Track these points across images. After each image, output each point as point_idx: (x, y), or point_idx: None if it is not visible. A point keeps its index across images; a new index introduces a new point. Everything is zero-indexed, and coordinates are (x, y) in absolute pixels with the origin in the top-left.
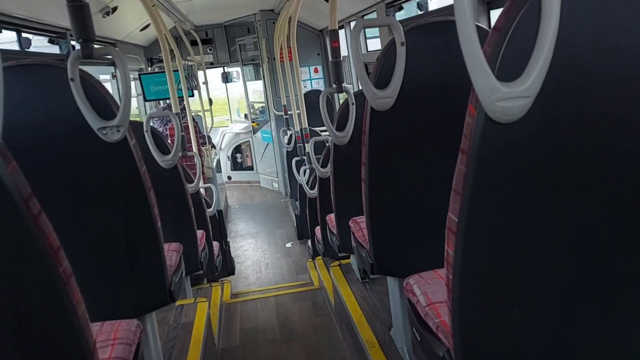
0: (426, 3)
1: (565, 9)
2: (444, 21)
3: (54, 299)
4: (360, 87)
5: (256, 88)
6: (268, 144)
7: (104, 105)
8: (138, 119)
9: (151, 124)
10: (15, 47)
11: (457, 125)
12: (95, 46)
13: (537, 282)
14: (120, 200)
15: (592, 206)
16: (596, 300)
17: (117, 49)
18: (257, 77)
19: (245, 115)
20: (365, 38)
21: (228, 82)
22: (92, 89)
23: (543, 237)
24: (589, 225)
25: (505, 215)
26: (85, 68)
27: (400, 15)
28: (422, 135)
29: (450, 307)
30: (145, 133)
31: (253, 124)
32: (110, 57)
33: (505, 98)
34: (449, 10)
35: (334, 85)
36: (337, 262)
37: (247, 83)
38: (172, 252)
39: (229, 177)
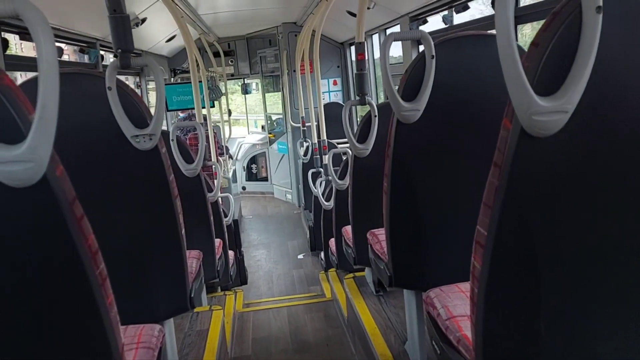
0: (452, 17)
1: (604, 26)
2: (474, 35)
3: (89, 300)
4: (383, 100)
5: (274, 100)
6: (283, 155)
7: (138, 114)
8: None
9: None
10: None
11: (483, 139)
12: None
13: (563, 296)
14: (148, 206)
15: (623, 222)
16: (622, 316)
17: (152, 59)
18: (276, 89)
19: (262, 127)
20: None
21: (247, 93)
22: (128, 97)
23: (571, 251)
24: (618, 241)
25: (534, 229)
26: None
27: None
28: (447, 149)
29: (474, 321)
30: (171, 142)
31: (270, 135)
32: (139, 67)
33: (542, 112)
34: (473, 24)
35: (357, 97)
36: (351, 275)
37: (266, 95)
38: (192, 259)
39: (244, 188)
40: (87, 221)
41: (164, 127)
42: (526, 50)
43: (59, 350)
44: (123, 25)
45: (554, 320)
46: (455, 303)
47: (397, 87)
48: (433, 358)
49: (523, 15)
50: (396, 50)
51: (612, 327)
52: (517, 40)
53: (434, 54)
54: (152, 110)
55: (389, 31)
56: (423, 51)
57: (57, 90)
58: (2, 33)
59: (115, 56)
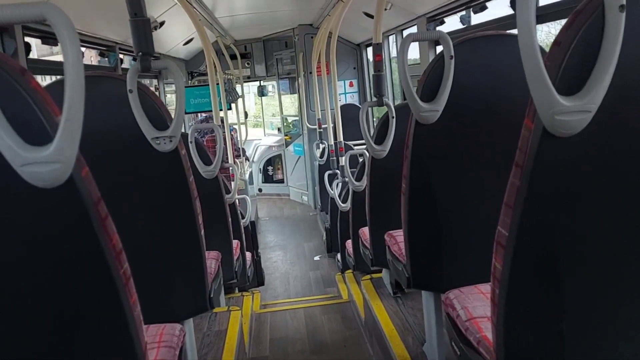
0: (469, 17)
1: (627, 25)
2: (493, 35)
3: (113, 299)
4: (401, 101)
5: (290, 102)
6: (299, 157)
7: (159, 116)
8: None
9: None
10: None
11: (502, 139)
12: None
13: (585, 296)
14: (168, 207)
15: None
16: None
17: (173, 62)
18: (292, 91)
19: (279, 129)
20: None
21: (263, 95)
22: (148, 100)
23: (593, 252)
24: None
25: (556, 230)
26: None
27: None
28: (466, 150)
29: (495, 322)
30: (190, 144)
31: (286, 137)
32: (159, 69)
33: (564, 112)
34: (492, 24)
35: (374, 99)
36: (368, 276)
37: (282, 97)
38: (211, 259)
39: (260, 190)
40: (112, 221)
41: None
42: (547, 51)
43: (83, 349)
44: (144, 28)
45: (576, 321)
46: (475, 304)
47: (415, 88)
48: (452, 359)
49: (542, 15)
50: (413, 52)
51: (636, 329)
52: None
53: (452, 54)
54: (172, 113)
55: (405, 32)
56: (442, 52)
57: (83, 93)
58: (25, 37)
59: (134, 59)
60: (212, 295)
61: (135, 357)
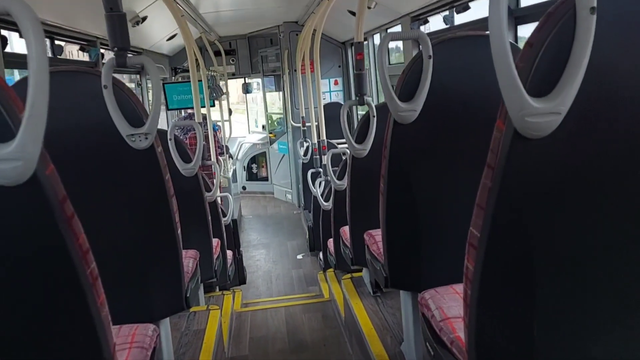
0: (452, 17)
1: (599, 28)
2: (472, 35)
3: (79, 300)
4: (382, 100)
5: (274, 99)
6: (284, 155)
7: (134, 113)
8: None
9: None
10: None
11: (480, 140)
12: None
13: (557, 298)
14: (143, 205)
15: (618, 223)
16: (616, 317)
17: (149, 58)
18: (277, 89)
19: (263, 127)
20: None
21: (248, 92)
22: (124, 96)
23: (565, 253)
24: (613, 242)
25: (527, 231)
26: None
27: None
28: (444, 150)
29: (467, 323)
30: (169, 141)
31: (270, 135)
32: (139, 65)
33: (535, 114)
34: (475, 24)
35: (356, 98)
36: (349, 275)
37: (267, 94)
38: (189, 258)
39: (244, 188)
40: (78, 220)
41: (165, 127)
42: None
43: (49, 350)
44: (119, 23)
45: (548, 322)
46: (450, 304)
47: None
48: (428, 359)
49: (524, 16)
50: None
51: (607, 330)
52: (517, 40)
53: (431, 54)
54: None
55: (389, 31)
56: (420, 51)
57: (47, 89)
58: (1, 30)
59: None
60: (188, 295)
61: (102, 358)
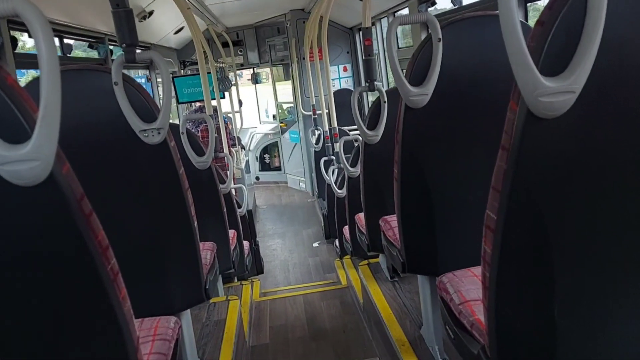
0: None
1: (611, 2)
2: (481, 16)
3: (102, 296)
4: (392, 85)
5: (284, 89)
6: (296, 144)
7: (146, 108)
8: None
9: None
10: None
11: (493, 122)
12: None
13: (576, 279)
14: (159, 200)
15: (633, 201)
16: (636, 298)
17: (158, 52)
18: (286, 78)
19: (274, 116)
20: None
21: (257, 82)
22: (134, 92)
23: (582, 233)
24: (629, 220)
25: (544, 212)
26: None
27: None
28: (457, 133)
29: (487, 305)
30: (182, 135)
31: (281, 124)
32: (149, 60)
33: (548, 93)
34: (484, 3)
35: (366, 84)
36: (365, 262)
37: (276, 84)
38: (206, 250)
39: (257, 178)
40: (96, 218)
41: (177, 121)
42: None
43: (73, 346)
44: (127, 19)
45: (568, 303)
46: (468, 287)
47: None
48: (448, 342)
49: None
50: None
51: (628, 310)
52: (527, 19)
53: (440, 36)
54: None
55: (397, 15)
56: (430, 34)
57: (59, 88)
58: (11, 31)
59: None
60: (207, 286)
61: (126, 351)
